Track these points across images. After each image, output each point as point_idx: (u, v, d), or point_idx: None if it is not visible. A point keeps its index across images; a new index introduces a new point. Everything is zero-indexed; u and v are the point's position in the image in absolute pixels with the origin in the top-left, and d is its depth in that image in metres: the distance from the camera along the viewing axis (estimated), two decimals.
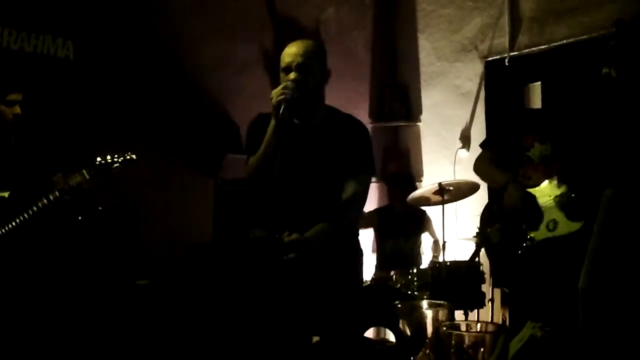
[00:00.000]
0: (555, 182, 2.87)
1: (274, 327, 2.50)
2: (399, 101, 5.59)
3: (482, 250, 3.76)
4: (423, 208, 4.91)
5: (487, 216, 3.17)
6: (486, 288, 4.15)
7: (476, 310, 4.13)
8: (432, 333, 1.31)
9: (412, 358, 1.31)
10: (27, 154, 3.28)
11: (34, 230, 3.12)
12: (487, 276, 4.11)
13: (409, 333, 1.33)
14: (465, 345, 1.17)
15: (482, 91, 5.03)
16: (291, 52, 2.50)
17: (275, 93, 2.40)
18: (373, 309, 3.51)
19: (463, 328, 1.25)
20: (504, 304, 4.42)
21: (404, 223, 4.90)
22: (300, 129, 2.56)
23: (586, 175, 2.77)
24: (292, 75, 2.46)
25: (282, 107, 2.38)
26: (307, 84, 2.46)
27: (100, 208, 3.70)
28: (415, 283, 4.06)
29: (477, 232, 4.31)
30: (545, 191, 2.91)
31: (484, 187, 4.24)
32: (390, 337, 4.48)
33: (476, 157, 3.24)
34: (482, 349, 1.16)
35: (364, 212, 2.99)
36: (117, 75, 4.10)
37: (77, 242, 3.51)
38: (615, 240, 2.50)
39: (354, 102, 5.22)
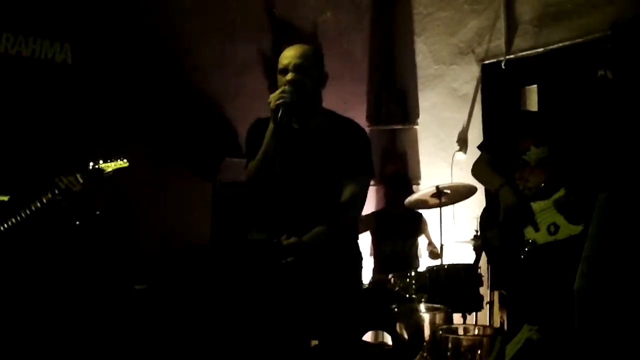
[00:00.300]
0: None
1: (272, 330, 2.50)
2: (396, 104, 5.60)
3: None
4: (420, 211, 4.91)
5: (486, 219, 3.18)
6: (484, 291, 4.15)
7: (474, 313, 4.13)
8: (430, 336, 1.31)
9: None
10: (26, 158, 3.28)
11: (32, 235, 3.12)
12: (485, 279, 4.11)
13: (406, 336, 1.34)
14: (462, 349, 1.17)
15: (479, 94, 5.04)
16: (288, 54, 2.52)
17: (274, 97, 2.41)
18: (371, 312, 3.51)
19: (460, 331, 1.26)
20: (502, 306, 4.42)
21: (401, 226, 4.90)
22: (298, 133, 2.56)
23: (583, 178, 2.78)
24: (289, 76, 2.47)
25: (281, 110, 2.38)
26: (304, 85, 2.47)
27: (97, 212, 3.70)
28: (413, 286, 4.06)
29: (474, 235, 4.33)
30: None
31: (481, 189, 4.24)
32: (388, 340, 4.48)
33: (474, 160, 3.25)
34: (479, 352, 1.17)
35: (361, 214, 2.99)
36: (115, 78, 4.09)
37: (75, 246, 3.51)
38: (610, 242, 2.51)
39: (351, 104, 5.22)
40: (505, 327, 4.22)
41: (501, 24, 4.88)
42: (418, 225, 4.95)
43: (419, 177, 5.46)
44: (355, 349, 2.62)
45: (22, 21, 3.79)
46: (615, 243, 2.49)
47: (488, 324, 4.26)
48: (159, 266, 3.86)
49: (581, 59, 4.22)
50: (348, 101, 5.17)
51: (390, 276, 4.23)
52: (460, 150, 5.13)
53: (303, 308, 2.48)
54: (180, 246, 4.01)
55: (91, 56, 4.02)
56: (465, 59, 5.14)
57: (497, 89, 4.93)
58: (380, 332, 4.73)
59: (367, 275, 4.65)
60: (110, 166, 3.22)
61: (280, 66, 2.52)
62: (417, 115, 5.54)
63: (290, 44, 2.59)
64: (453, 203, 4.62)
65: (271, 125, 2.43)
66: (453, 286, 3.97)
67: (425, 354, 1.32)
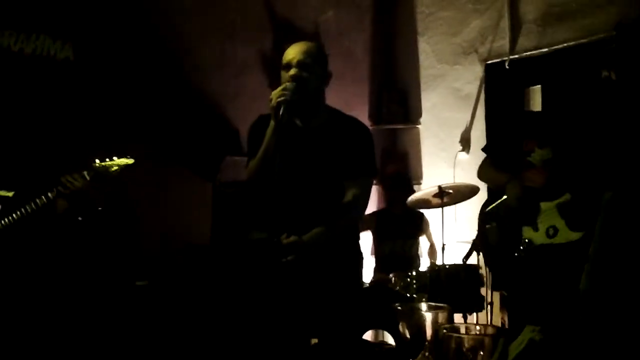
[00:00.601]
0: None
1: (272, 329, 2.49)
2: (397, 103, 5.59)
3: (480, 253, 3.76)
4: (421, 211, 4.90)
5: (485, 213, 3.16)
6: (485, 291, 4.14)
7: (475, 314, 4.12)
8: (432, 335, 1.30)
9: None
10: (28, 154, 3.28)
11: (35, 230, 3.12)
12: (486, 279, 4.10)
13: (408, 335, 1.32)
14: (464, 348, 1.16)
15: (482, 94, 5.02)
16: (292, 50, 2.51)
17: (275, 94, 2.40)
18: (372, 312, 3.50)
19: (463, 330, 1.24)
20: (502, 307, 4.40)
21: (402, 225, 4.89)
22: (301, 131, 2.55)
23: (586, 179, 2.76)
24: (292, 72, 2.45)
25: (282, 108, 2.37)
26: (307, 82, 2.45)
27: (100, 209, 3.70)
28: (414, 285, 4.06)
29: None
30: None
31: (483, 189, 4.23)
32: (389, 339, 4.47)
33: (476, 160, 3.24)
34: (481, 352, 1.15)
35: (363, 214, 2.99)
36: (117, 76, 4.10)
37: (77, 242, 3.51)
38: (616, 242, 2.50)
39: (352, 104, 5.21)
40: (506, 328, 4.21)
41: (505, 24, 4.86)
42: (419, 226, 4.94)
43: (420, 177, 5.45)
44: (356, 348, 2.61)
45: (25, 19, 3.80)
46: (619, 243, 2.48)
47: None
48: (159, 266, 3.86)
49: (585, 59, 4.21)
50: (349, 101, 5.16)
51: (391, 275, 4.23)
52: (462, 150, 5.12)
53: (303, 307, 2.47)
54: (181, 246, 4.01)
55: (93, 54, 4.03)
56: (469, 58, 5.13)
57: (500, 89, 4.92)
58: (380, 332, 4.73)
59: (368, 275, 4.65)
60: (116, 164, 3.21)
61: (283, 62, 2.51)
62: (419, 115, 5.53)
63: (291, 43, 2.58)
64: (455, 203, 4.61)
65: (272, 123, 2.42)
66: (453, 286, 3.97)
67: (427, 354, 1.30)
